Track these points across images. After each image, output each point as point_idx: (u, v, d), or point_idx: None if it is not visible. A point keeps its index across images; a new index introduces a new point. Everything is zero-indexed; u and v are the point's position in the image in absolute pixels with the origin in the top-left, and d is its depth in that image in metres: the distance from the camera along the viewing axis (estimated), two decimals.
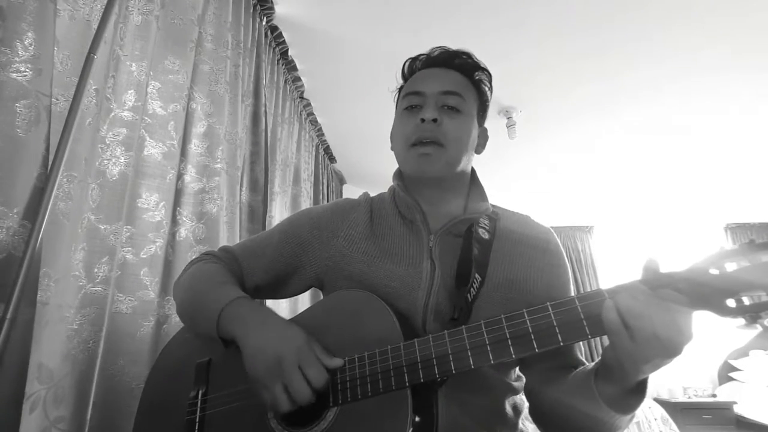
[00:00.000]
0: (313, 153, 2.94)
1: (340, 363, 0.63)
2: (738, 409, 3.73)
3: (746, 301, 0.44)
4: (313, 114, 2.77)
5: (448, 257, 0.74)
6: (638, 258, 0.54)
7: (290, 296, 0.88)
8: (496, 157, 3.34)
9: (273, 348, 0.63)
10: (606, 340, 0.53)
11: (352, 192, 3.95)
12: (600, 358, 0.59)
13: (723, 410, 3.74)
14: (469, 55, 0.82)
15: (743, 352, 4.21)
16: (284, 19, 2.00)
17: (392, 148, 0.86)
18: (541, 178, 3.92)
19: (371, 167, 3.66)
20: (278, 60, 2.17)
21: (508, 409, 0.72)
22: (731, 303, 0.44)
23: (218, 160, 1.36)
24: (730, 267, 0.45)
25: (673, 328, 0.48)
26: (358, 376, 0.62)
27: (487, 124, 0.87)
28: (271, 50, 2.07)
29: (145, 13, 1.12)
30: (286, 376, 0.60)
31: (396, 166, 0.85)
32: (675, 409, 3.68)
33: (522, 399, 0.77)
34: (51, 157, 0.81)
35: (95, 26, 0.94)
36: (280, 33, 2.05)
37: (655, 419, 2.67)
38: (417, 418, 0.57)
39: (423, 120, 0.75)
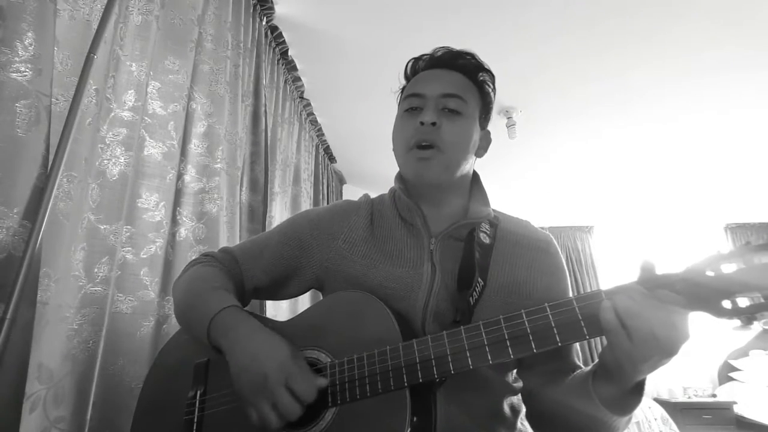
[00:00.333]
0: (313, 153, 2.95)
1: (325, 383, 0.62)
2: (738, 409, 3.73)
3: (742, 302, 0.44)
4: (313, 114, 2.77)
5: (449, 261, 0.74)
6: (638, 258, 0.54)
7: (290, 297, 0.88)
8: (496, 157, 3.33)
9: (258, 366, 0.61)
10: (604, 342, 0.54)
11: (352, 192, 3.96)
12: (598, 359, 0.59)
13: (723, 410, 3.74)
14: (472, 56, 0.82)
15: (743, 352, 4.22)
16: (284, 19, 2.00)
17: (393, 150, 0.86)
18: (541, 178, 3.92)
19: (371, 167, 3.67)
20: (278, 60, 2.17)
21: (507, 409, 0.72)
22: (727, 304, 0.45)
23: (218, 160, 1.36)
24: (726, 268, 0.46)
25: (670, 327, 0.48)
26: (357, 377, 0.62)
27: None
28: (271, 50, 2.07)
29: (145, 13, 1.12)
30: (272, 394, 0.59)
31: (397, 166, 0.84)
32: (675, 409, 3.69)
33: (520, 399, 0.77)
34: (51, 157, 0.82)
35: (95, 26, 0.94)
36: (280, 33, 2.05)
37: (655, 419, 2.67)
38: (415, 419, 0.57)
39: (422, 123, 0.75)
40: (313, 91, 2.57)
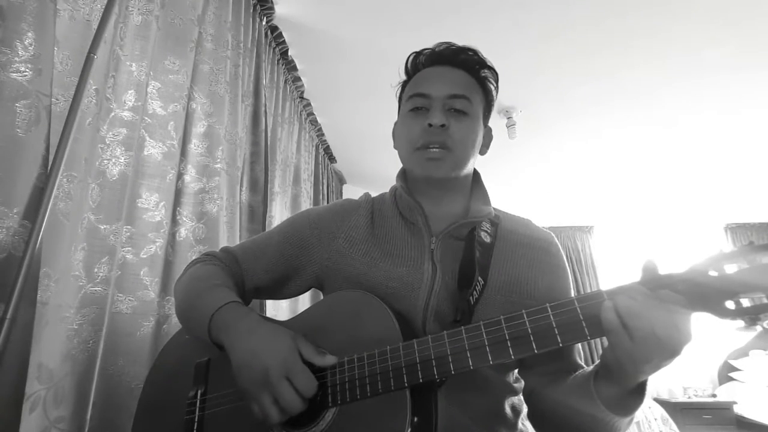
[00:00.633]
0: (313, 153, 2.94)
1: (333, 361, 0.63)
2: (738, 409, 3.73)
3: (745, 302, 0.44)
4: (313, 114, 2.77)
5: (449, 260, 0.74)
6: (638, 258, 0.54)
7: (290, 297, 0.87)
8: (496, 156, 3.32)
9: (259, 360, 0.61)
10: (605, 342, 0.53)
11: (352, 192, 3.95)
12: (599, 360, 0.59)
13: (723, 410, 3.74)
14: (474, 52, 0.81)
15: (743, 352, 4.21)
16: (284, 19, 2.00)
17: (395, 147, 0.85)
18: (541, 178, 3.92)
19: (371, 167, 3.66)
20: (278, 60, 2.17)
21: (508, 409, 0.72)
22: (730, 305, 0.44)
23: (218, 160, 1.36)
24: (729, 269, 0.45)
25: (671, 327, 0.48)
26: (357, 377, 0.61)
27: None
28: (271, 50, 2.07)
29: (145, 13, 1.12)
30: (274, 388, 0.59)
31: (397, 166, 0.84)
32: (675, 409, 3.68)
33: (521, 399, 0.77)
34: (51, 157, 0.81)
35: (95, 26, 0.94)
36: (280, 33, 2.05)
37: (655, 419, 2.67)
38: (416, 419, 0.57)
39: (431, 125, 0.75)
40: (313, 91, 2.57)
